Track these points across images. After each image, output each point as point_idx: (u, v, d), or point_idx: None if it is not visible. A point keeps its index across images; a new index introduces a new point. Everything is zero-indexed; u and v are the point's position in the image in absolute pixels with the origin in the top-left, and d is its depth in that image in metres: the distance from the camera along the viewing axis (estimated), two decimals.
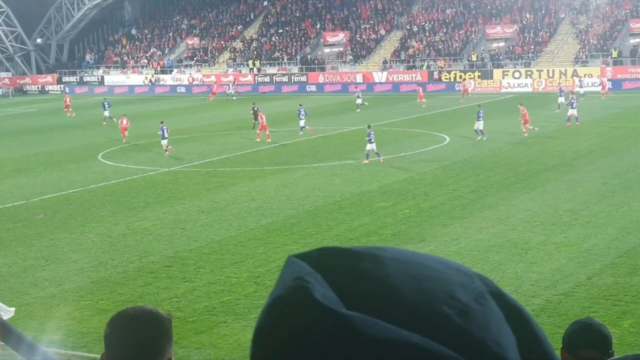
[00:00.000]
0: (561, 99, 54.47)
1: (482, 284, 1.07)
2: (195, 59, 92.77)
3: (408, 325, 0.99)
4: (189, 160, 40.22)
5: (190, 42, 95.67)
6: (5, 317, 15.28)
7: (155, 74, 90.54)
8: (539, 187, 30.90)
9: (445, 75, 78.35)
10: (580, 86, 65.44)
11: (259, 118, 47.22)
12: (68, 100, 67.87)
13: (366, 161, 37.19)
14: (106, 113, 58.26)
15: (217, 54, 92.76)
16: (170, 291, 20.69)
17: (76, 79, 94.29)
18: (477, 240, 23.74)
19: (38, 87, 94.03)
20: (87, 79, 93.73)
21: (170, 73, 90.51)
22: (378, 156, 37.15)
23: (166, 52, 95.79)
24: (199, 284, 21.19)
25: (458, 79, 76.66)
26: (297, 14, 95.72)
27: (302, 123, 48.19)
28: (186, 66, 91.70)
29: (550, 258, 22.00)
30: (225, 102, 71.66)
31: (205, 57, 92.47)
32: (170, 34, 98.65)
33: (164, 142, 41.50)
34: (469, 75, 76.86)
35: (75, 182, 35.51)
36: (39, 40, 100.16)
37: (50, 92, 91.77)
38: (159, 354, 2.78)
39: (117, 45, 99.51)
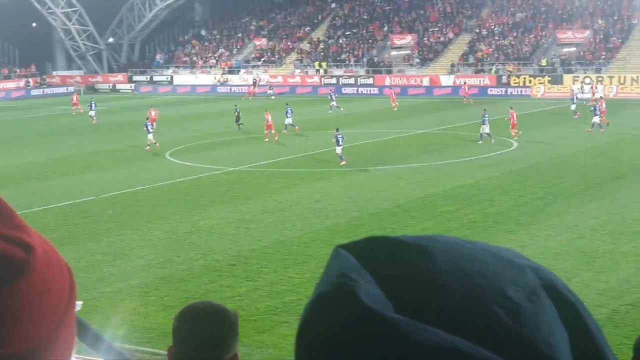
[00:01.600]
0: (573, 107, 55.09)
1: (535, 277, 1.02)
2: (262, 59, 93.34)
3: (455, 326, 0.96)
4: (254, 160, 40.46)
5: (258, 43, 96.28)
6: None
7: (223, 74, 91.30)
8: (608, 195, 30.41)
9: (514, 80, 77.57)
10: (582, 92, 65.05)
11: (266, 118, 47.65)
12: (75, 98, 69.80)
13: (343, 162, 37.93)
14: (92, 112, 59.22)
15: (284, 55, 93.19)
16: (234, 289, 20.85)
17: (146, 78, 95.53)
18: (543, 248, 23.47)
19: (109, 86, 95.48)
20: (156, 78, 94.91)
21: (238, 73, 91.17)
22: (341, 159, 38.07)
23: (234, 52, 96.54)
24: (262, 283, 21.31)
25: (527, 84, 75.85)
26: (365, 16, 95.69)
27: (289, 121, 50.42)
28: (253, 67, 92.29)
29: (618, 267, 21.65)
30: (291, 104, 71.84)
31: (273, 58, 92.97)
32: (239, 35, 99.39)
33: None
34: (539, 80, 75.99)
35: (143, 180, 35.98)
36: (110, 40, 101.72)
37: (120, 90, 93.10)
38: (225, 348, 2.82)
39: (186, 46, 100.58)
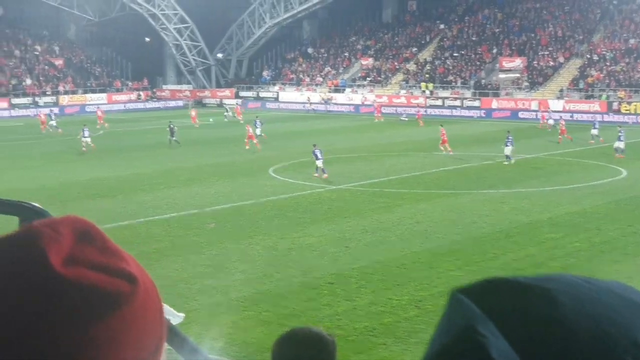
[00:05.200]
0: (594, 131, 55.83)
1: None
2: (368, 79, 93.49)
3: None
4: (356, 179, 40.47)
5: (364, 62, 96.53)
6: (173, 322, 15.77)
7: (329, 92, 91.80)
8: None
9: (625, 107, 75.73)
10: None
11: (248, 129, 54.02)
12: (100, 112, 71.64)
13: (316, 174, 40.68)
14: (52, 122, 62.09)
15: (390, 75, 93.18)
16: (332, 308, 20.80)
17: (253, 94, 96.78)
18: None
19: (216, 101, 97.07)
20: (263, 94, 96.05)
21: (343, 92, 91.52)
22: (323, 172, 40.46)
23: (340, 71, 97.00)
24: (361, 303, 21.20)
25: (639, 111, 73.98)
26: (474, 38, 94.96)
27: (258, 131, 56.50)
28: (359, 86, 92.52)
29: None
30: (394, 124, 71.78)
31: (379, 78, 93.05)
32: (346, 54, 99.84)
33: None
34: None
35: (246, 195, 36.35)
36: (219, 56, 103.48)
37: (227, 105, 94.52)
38: None
39: (293, 63, 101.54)
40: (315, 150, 41.20)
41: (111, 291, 1.13)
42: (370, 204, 34.30)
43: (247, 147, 52.15)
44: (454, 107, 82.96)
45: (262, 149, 52.10)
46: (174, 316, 16.95)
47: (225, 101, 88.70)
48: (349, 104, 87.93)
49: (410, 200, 35.01)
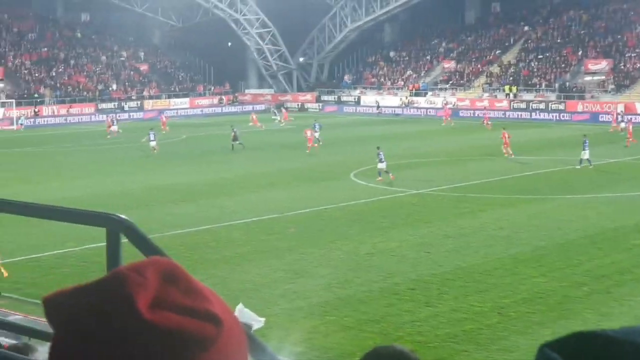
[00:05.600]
0: None
1: None
2: (450, 82, 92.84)
3: None
4: (438, 183, 40.16)
5: (446, 65, 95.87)
6: (255, 327, 15.88)
7: (410, 96, 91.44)
8: None
9: None
10: None
11: (306, 133, 54.30)
12: (164, 118, 72.82)
13: (380, 178, 40.69)
14: (114, 127, 65.20)
15: (472, 78, 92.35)
16: (413, 314, 20.68)
17: (334, 98, 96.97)
18: None
19: (297, 105, 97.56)
20: (344, 98, 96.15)
21: (425, 96, 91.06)
22: (387, 174, 40.80)
23: (422, 74, 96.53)
24: (442, 309, 21.03)
25: None
26: (558, 40, 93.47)
27: (317, 135, 56.15)
28: (441, 89, 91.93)
29: None
30: (478, 128, 71.06)
31: (461, 81, 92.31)
32: (427, 57, 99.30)
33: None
34: None
35: (327, 199, 36.38)
36: (301, 60, 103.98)
37: (309, 109, 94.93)
38: None
39: (374, 67, 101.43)
40: (380, 153, 41.45)
41: (197, 334, 1.14)
42: (452, 209, 34.01)
43: (308, 152, 52.48)
44: (539, 110, 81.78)
45: (320, 152, 52.94)
46: (255, 321, 17.05)
47: (274, 106, 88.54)
48: (430, 107, 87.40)
49: (493, 205, 34.61)
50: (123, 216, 2.68)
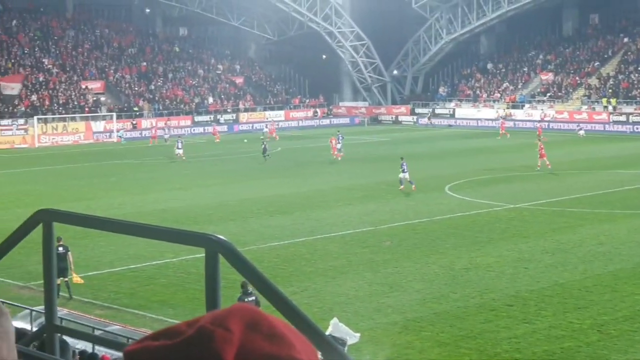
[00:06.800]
0: None
1: None
2: (548, 94, 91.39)
3: None
4: (536, 197, 39.50)
5: (544, 77, 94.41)
6: (350, 342, 15.89)
7: (507, 108, 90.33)
8: None
9: None
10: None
11: (331, 142, 57.30)
12: (217, 128, 76.29)
13: (402, 187, 41.81)
14: (178, 146, 62.95)
15: (571, 90, 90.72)
16: (510, 331, 20.35)
17: (428, 110, 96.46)
18: None
19: (392, 117, 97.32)
20: (438, 111, 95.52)
21: (522, 108, 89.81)
22: (411, 184, 41.73)
23: (519, 87, 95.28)
24: (540, 326, 20.65)
25: None
26: None
27: (339, 146, 57.65)
28: (538, 102, 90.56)
29: None
30: (575, 141, 69.77)
31: (559, 93, 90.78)
32: (525, 69, 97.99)
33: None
34: None
35: (422, 212, 36.14)
36: (395, 72, 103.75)
37: (403, 122, 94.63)
38: None
39: (470, 79, 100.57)
40: (403, 164, 42.54)
41: None
42: (551, 223, 33.40)
43: (333, 158, 55.98)
44: (639, 123, 79.80)
45: (342, 160, 55.70)
46: (350, 336, 17.02)
47: (267, 120, 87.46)
48: (528, 120, 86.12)
49: (592, 220, 33.87)
50: (222, 237, 2.66)
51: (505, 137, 71.78)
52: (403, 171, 42.51)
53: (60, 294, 22.19)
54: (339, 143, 58.22)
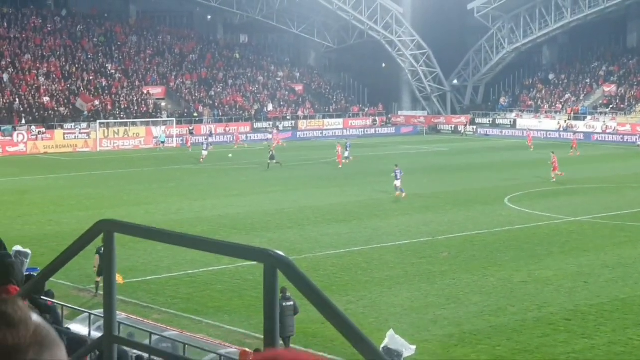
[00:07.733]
0: None
1: None
2: (610, 106, 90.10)
3: None
4: (597, 211, 38.93)
5: (607, 89, 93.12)
6: (406, 354, 15.78)
7: (568, 119, 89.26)
8: None
9: None
10: None
11: (338, 149, 58.27)
12: (275, 134, 77.26)
13: (398, 193, 42.98)
14: (205, 152, 63.62)
15: (634, 102, 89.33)
16: (568, 346, 20.06)
17: (489, 120, 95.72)
18: None
19: (451, 127, 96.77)
20: (499, 121, 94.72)
21: (584, 120, 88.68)
22: (401, 192, 42.71)
23: (581, 98, 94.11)
24: (599, 342, 20.33)
25: None
26: None
27: (346, 154, 59.82)
28: (600, 113, 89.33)
29: None
30: (636, 154, 68.64)
31: (622, 105, 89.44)
32: (587, 80, 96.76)
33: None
34: None
35: (481, 224, 35.83)
36: (455, 82, 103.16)
37: (464, 133, 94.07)
38: None
39: (531, 90, 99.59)
40: (396, 170, 43.63)
41: None
42: (612, 237, 32.89)
43: (340, 166, 57.80)
44: None
45: (349, 167, 57.22)
46: (406, 348, 16.91)
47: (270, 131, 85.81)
48: (589, 132, 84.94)
49: None
50: (281, 253, 2.65)
51: (575, 154, 68.02)
52: (396, 178, 43.44)
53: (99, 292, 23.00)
54: (346, 151, 60.20)
